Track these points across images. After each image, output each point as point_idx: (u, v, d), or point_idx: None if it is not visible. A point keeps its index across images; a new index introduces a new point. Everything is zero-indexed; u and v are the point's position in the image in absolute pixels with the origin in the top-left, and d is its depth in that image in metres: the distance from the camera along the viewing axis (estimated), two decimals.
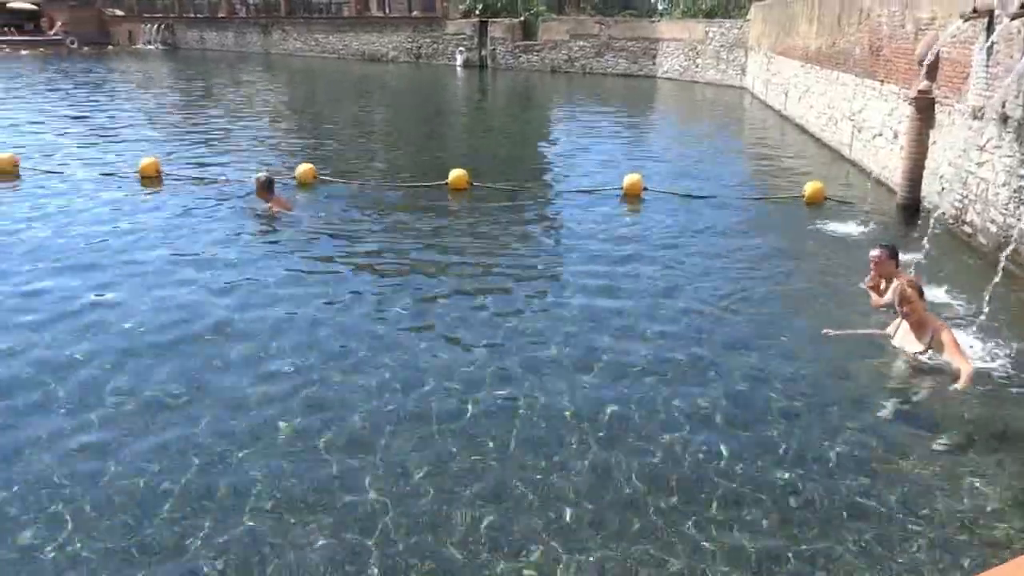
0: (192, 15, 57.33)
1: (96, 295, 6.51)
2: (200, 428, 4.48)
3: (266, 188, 9.19)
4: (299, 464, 4.14)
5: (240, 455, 4.22)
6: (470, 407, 4.76)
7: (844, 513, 3.81)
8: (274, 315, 6.12)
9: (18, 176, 11.11)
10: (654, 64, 31.89)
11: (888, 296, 6.19)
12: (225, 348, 5.54)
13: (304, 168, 11.01)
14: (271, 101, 24.02)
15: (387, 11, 43.00)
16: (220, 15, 54.60)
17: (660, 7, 43.72)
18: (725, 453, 4.30)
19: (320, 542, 3.56)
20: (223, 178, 11.04)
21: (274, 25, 49.32)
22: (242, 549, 3.51)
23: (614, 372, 5.26)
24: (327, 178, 11.10)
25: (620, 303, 6.53)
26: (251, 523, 3.68)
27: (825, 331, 5.77)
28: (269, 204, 9.14)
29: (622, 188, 10.51)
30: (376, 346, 5.62)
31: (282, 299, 6.48)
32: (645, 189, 10.51)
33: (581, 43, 33.77)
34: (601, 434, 4.50)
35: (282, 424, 4.54)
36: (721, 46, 28.57)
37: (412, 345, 5.64)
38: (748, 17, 27.34)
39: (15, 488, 3.90)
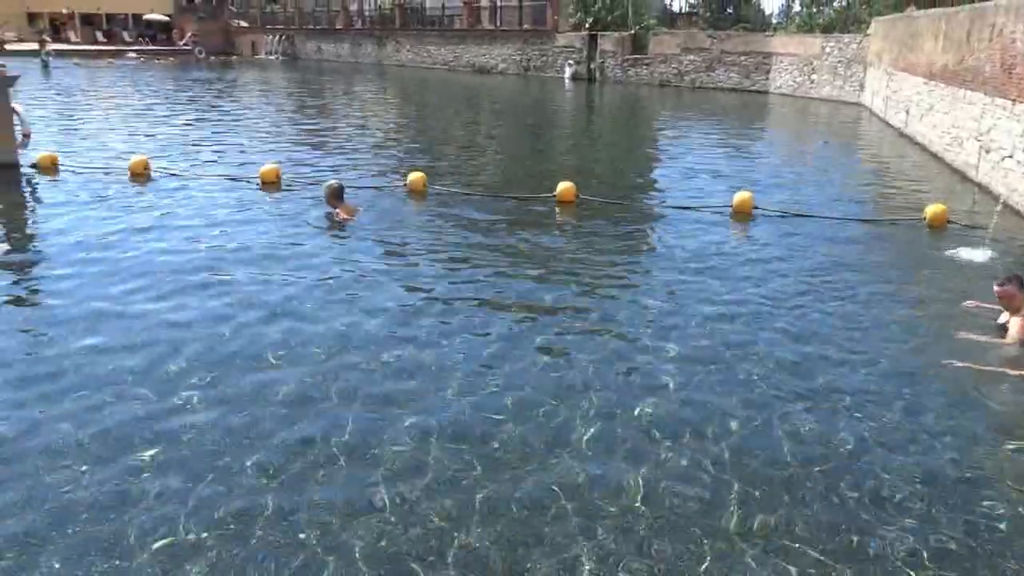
0: (311, 27, 59.45)
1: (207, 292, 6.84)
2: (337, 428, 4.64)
3: (337, 195, 9.49)
4: (438, 490, 4.19)
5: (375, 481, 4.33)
6: (579, 425, 4.75)
7: None
8: (378, 327, 6.26)
9: (149, 178, 11.74)
10: (767, 79, 31.21)
11: (1016, 332, 5.90)
12: (336, 362, 5.70)
13: (415, 176, 11.26)
14: (383, 110, 24.71)
15: (498, 24, 43.57)
16: (337, 27, 56.46)
17: (774, 21, 42.82)
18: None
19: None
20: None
21: (388, 37, 50.64)
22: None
23: (726, 394, 5.15)
24: (438, 187, 11.31)
25: (730, 326, 6.36)
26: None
27: (949, 362, 5.57)
28: (336, 210, 9.43)
29: (731, 206, 10.32)
30: (483, 360, 5.65)
31: (382, 310, 6.61)
32: (755, 208, 10.29)
33: (692, 57, 33.38)
34: (726, 457, 4.43)
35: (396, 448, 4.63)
36: (839, 61, 27.72)
37: (518, 359, 5.65)
38: (868, 32, 26.44)
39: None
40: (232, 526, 3.74)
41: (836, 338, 6.16)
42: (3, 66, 12.08)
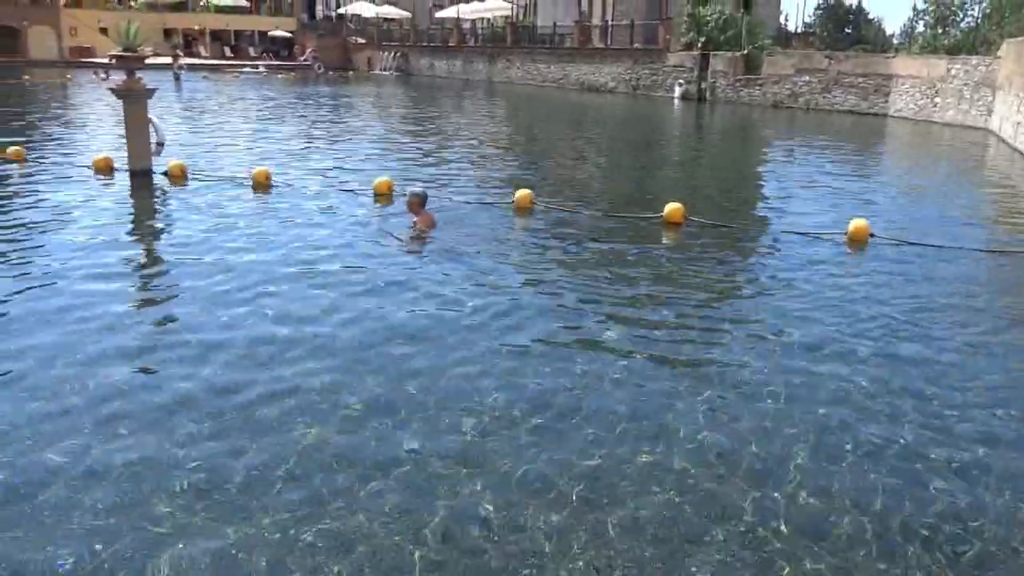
0: (425, 44, 60.85)
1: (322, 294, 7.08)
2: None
3: (422, 203, 9.67)
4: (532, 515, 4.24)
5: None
6: (675, 457, 4.70)
7: None
8: (481, 343, 6.35)
9: (270, 190, 12.27)
10: (886, 102, 30.11)
11: None
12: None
13: (522, 193, 11.37)
14: (492, 126, 25.07)
15: (608, 42, 43.60)
16: (450, 44, 57.61)
17: (896, 41, 41.36)
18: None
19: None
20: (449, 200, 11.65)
21: (499, 54, 51.37)
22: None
23: (833, 442, 4.97)
24: (544, 203, 11.39)
25: (843, 366, 6.06)
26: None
27: None
28: (416, 219, 9.60)
29: (846, 233, 10.01)
30: (580, 384, 5.63)
31: (482, 326, 6.69)
32: (872, 235, 9.95)
33: (807, 78, 32.53)
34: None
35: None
36: (965, 84, 26.50)
37: (617, 384, 5.61)
38: (999, 54, 25.19)
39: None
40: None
41: (959, 379, 5.88)
42: (141, 79, 12.85)
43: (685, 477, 4.40)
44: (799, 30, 56.02)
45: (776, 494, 4.26)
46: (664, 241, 10.01)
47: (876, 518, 4.08)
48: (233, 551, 3.68)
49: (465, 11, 58.93)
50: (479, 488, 4.23)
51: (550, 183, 14.11)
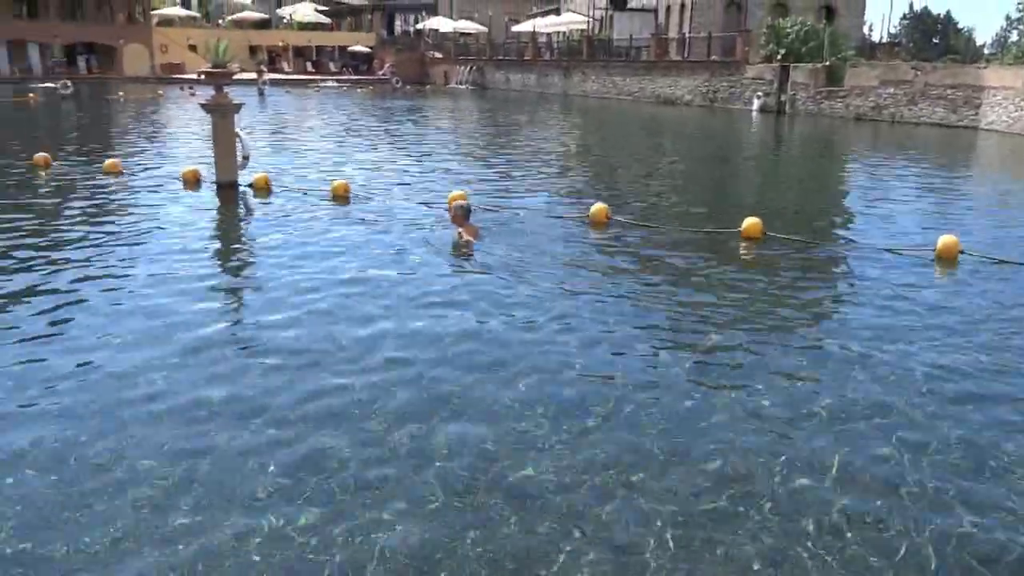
0: (501, 58, 61.37)
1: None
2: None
3: (466, 216, 9.81)
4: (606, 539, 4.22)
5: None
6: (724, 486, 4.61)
7: None
8: (554, 349, 6.35)
9: (348, 201, 12.52)
10: (976, 114, 29.04)
11: None
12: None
13: (598, 207, 11.34)
14: (567, 139, 25.12)
15: (685, 55, 43.26)
16: (526, 58, 57.97)
17: (987, 51, 39.88)
18: None
19: None
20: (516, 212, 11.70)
21: (574, 68, 51.46)
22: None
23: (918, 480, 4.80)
24: (619, 217, 11.34)
25: (928, 393, 5.79)
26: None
27: None
28: (460, 230, 9.67)
29: (934, 250, 9.67)
30: (658, 401, 5.59)
31: (549, 343, 6.68)
32: (962, 252, 9.59)
33: (892, 90, 31.62)
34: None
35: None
36: None
37: (692, 404, 5.52)
38: None
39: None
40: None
41: None
42: (229, 94, 13.29)
43: (766, 505, 4.31)
44: (884, 40, 54.54)
45: (861, 523, 4.14)
46: (741, 256, 9.85)
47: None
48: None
49: (541, 25, 59.32)
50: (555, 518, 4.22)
51: (625, 197, 14.05)
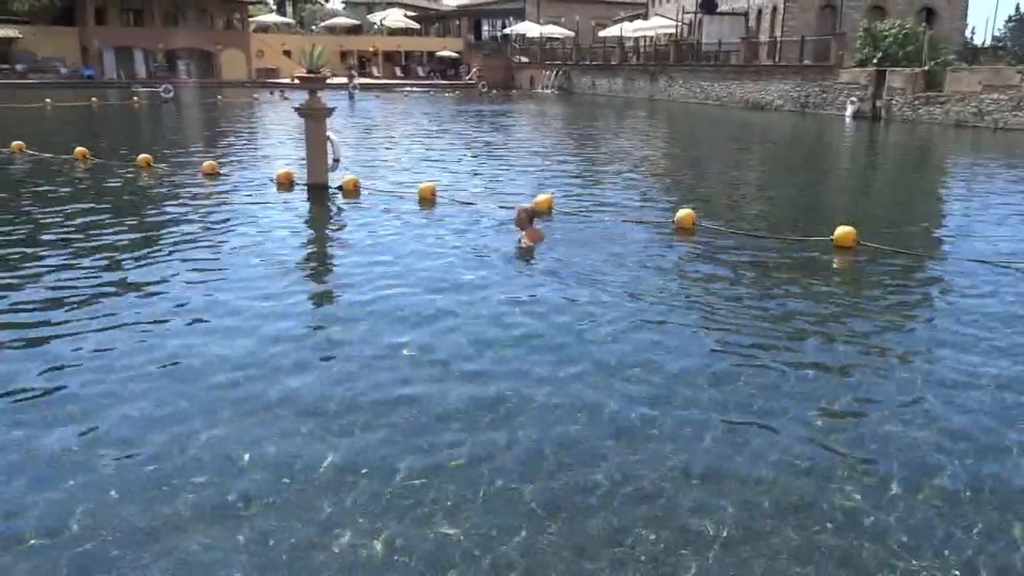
0: (587, 62, 61.28)
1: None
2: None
3: (529, 220, 9.91)
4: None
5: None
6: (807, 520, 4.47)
7: None
8: (622, 355, 6.30)
9: (434, 204, 12.69)
10: None
11: None
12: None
13: (684, 213, 11.20)
14: (653, 144, 24.90)
15: (776, 59, 42.36)
16: (612, 62, 57.77)
17: None
18: None
19: None
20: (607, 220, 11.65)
21: (661, 72, 50.99)
22: None
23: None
24: (705, 224, 11.18)
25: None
26: None
27: None
28: (523, 234, 9.76)
29: None
30: (734, 419, 5.47)
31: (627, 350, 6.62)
32: None
33: (996, 95, 30.24)
34: None
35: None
36: None
37: (772, 430, 5.28)
38: None
39: None
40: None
41: None
42: (322, 99, 13.65)
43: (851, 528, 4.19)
44: (987, 44, 52.32)
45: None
46: (833, 266, 9.58)
47: None
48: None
49: (628, 29, 59.02)
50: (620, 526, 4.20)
51: (712, 203, 13.84)
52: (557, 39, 68.27)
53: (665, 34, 57.42)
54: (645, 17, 64.83)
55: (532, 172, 17.29)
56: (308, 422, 5.07)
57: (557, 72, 63.43)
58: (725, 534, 3.99)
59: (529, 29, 68.90)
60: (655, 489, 4.38)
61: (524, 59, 69.96)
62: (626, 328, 6.94)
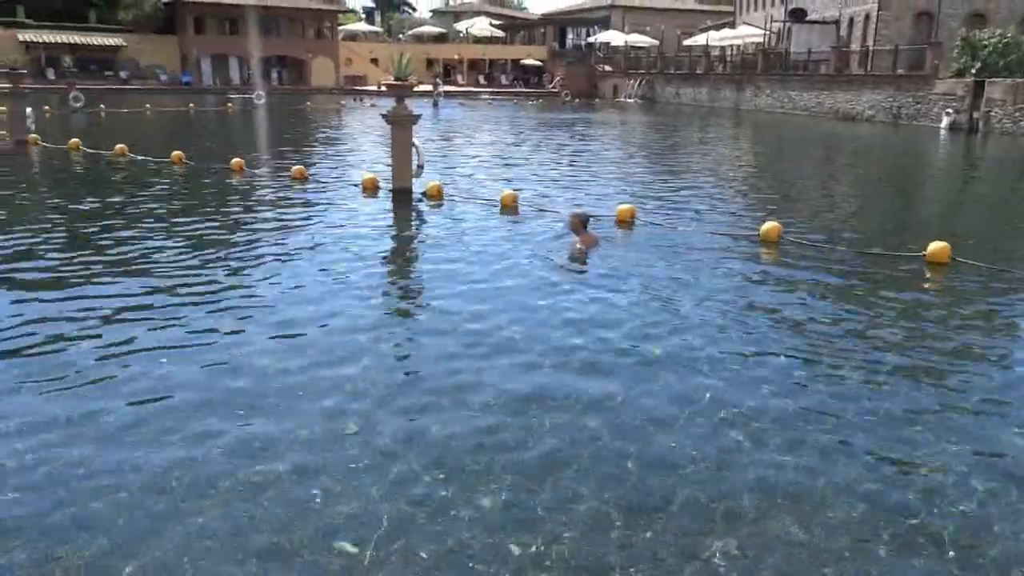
0: (671, 71, 60.76)
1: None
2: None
3: (583, 225, 10.00)
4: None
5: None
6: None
7: None
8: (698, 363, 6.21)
9: (517, 211, 12.76)
10: None
11: None
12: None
13: (770, 225, 10.99)
14: (738, 155, 24.51)
15: (868, 68, 41.22)
16: (698, 72, 57.11)
17: None
18: None
19: None
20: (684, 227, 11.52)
21: (748, 82, 50.17)
22: None
23: None
24: (791, 238, 10.94)
25: None
26: None
27: None
28: (578, 239, 9.80)
29: None
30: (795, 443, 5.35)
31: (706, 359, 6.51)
32: None
33: None
34: None
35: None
36: None
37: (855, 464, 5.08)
38: None
39: None
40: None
41: None
42: (408, 106, 13.89)
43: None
44: None
45: None
46: (925, 284, 9.25)
47: None
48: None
49: (715, 38, 58.32)
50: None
51: (799, 215, 13.52)
52: (641, 48, 67.94)
53: (752, 43, 56.51)
54: (732, 26, 63.94)
55: (615, 181, 17.23)
56: (378, 410, 5.18)
57: (640, 81, 63.04)
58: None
59: (614, 38, 68.75)
60: (739, 508, 4.32)
61: (608, 68, 69.79)
62: (707, 340, 6.85)
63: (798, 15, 53.63)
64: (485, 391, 5.66)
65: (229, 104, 42.77)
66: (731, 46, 58.83)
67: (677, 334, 6.98)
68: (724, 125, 38.24)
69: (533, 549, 3.87)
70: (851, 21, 48.56)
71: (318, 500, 4.25)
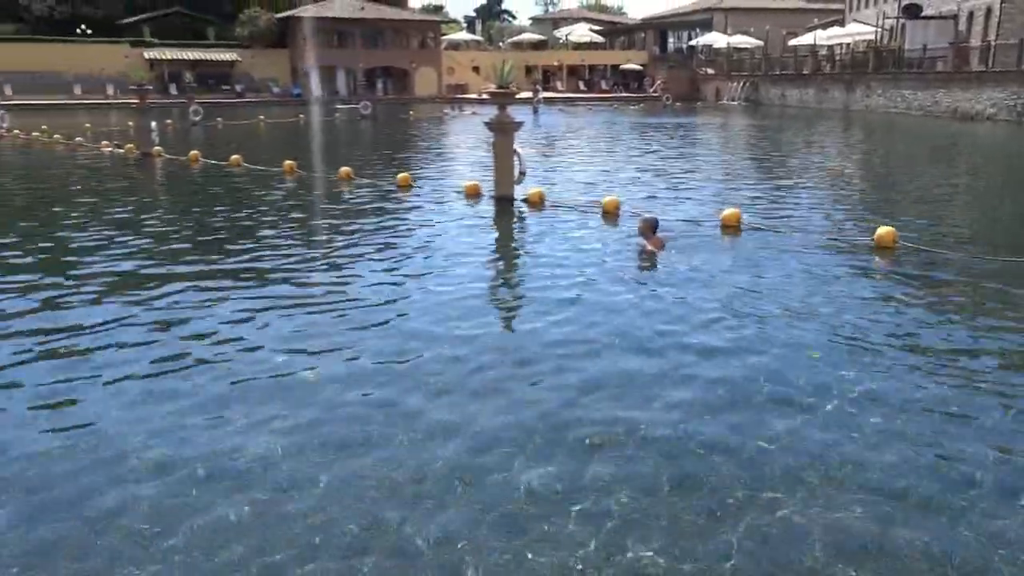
0: (776, 72, 59.27)
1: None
2: None
3: (652, 229, 10.14)
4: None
5: None
6: None
7: None
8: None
9: (618, 218, 12.68)
10: None
11: None
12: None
13: (885, 230, 10.57)
14: (849, 157, 23.68)
15: (989, 64, 39.12)
16: (804, 72, 55.52)
17: None
18: None
19: None
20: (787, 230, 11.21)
21: (858, 81, 48.41)
22: None
23: None
24: (906, 243, 10.49)
25: None
26: None
27: None
28: (646, 243, 9.93)
29: None
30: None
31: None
32: None
33: None
34: None
35: None
36: None
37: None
38: None
39: None
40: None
41: None
42: (510, 113, 14.01)
43: None
44: None
45: None
46: None
47: None
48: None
49: (822, 37, 56.55)
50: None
51: (915, 221, 12.91)
52: (745, 49, 66.49)
53: (863, 41, 54.50)
54: (841, 24, 61.89)
55: (719, 185, 16.93)
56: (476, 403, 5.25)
57: (744, 83, 61.71)
58: None
59: (716, 40, 67.57)
60: (864, 531, 4.18)
61: (710, 71, 68.62)
62: (828, 347, 6.66)
63: (913, 11, 51.43)
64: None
65: (336, 115, 44.10)
66: (840, 45, 56.92)
67: (790, 336, 6.81)
68: (833, 127, 36.98)
69: None
70: (971, 15, 46.25)
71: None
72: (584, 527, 4.10)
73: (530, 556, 3.87)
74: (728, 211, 11.99)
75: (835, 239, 11.09)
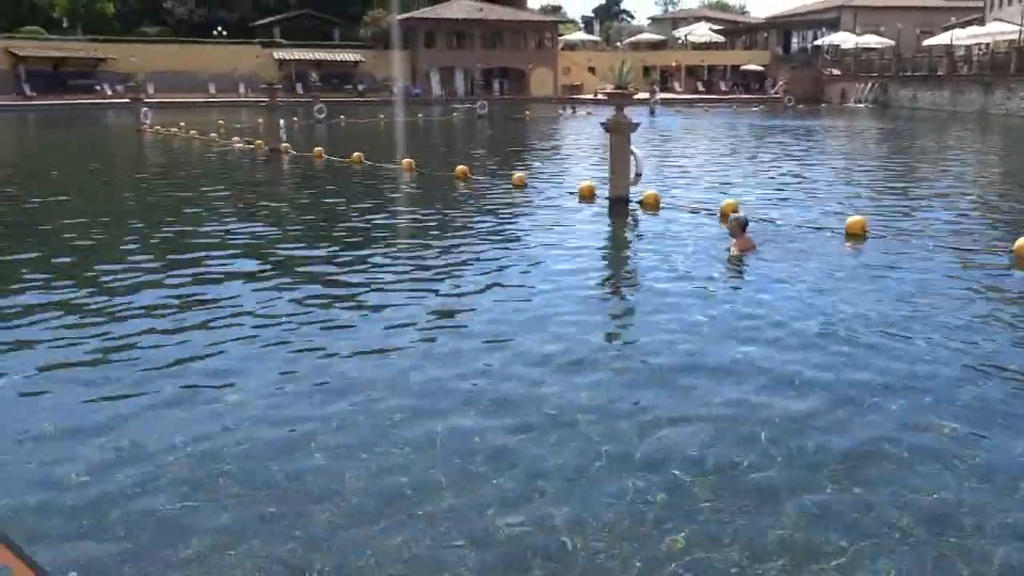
0: (907, 73, 56.61)
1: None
2: None
3: (742, 229, 10.01)
4: None
5: None
6: None
7: None
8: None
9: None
10: None
11: None
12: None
13: (1020, 243, 9.96)
14: (987, 164, 22.40)
15: None
16: (939, 73, 52.81)
17: None
18: None
19: None
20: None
21: (998, 83, 45.67)
22: None
23: None
24: None
25: None
26: None
27: None
28: (735, 242, 9.87)
29: None
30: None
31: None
32: None
33: None
34: None
35: None
36: None
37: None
38: None
39: None
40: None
41: None
42: (627, 114, 13.91)
43: None
44: None
45: None
46: None
47: None
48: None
49: (960, 36, 53.62)
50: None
51: None
52: (873, 49, 63.70)
53: (1005, 40, 51.33)
54: (981, 22, 58.49)
55: (844, 191, 16.31)
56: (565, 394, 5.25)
57: (871, 84, 59.15)
58: None
59: (844, 39, 65.05)
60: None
61: (835, 71, 66.12)
62: (947, 361, 6.35)
63: None
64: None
65: (454, 114, 44.87)
66: (978, 44, 53.81)
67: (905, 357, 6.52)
68: (970, 131, 35.01)
69: None
70: None
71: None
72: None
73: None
74: (853, 218, 11.55)
75: (966, 249, 10.49)
